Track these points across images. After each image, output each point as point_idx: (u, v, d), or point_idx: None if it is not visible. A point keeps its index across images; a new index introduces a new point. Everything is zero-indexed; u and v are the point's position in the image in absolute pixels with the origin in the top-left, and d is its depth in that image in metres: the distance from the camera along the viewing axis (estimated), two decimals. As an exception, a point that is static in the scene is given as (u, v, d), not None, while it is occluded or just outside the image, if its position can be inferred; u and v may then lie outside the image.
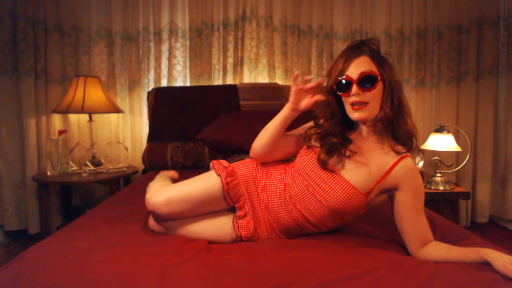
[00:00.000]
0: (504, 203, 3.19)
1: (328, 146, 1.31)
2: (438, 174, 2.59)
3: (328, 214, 1.32)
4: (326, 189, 1.30)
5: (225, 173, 1.42)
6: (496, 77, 3.16)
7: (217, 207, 1.43)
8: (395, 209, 1.31)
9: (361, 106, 1.25)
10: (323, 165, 1.30)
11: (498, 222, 3.27)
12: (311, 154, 1.36)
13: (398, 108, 1.27)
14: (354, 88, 1.24)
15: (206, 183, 1.43)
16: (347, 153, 1.30)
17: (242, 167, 1.48)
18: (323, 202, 1.30)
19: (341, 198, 1.28)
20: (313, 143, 1.37)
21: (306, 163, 1.35)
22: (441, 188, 2.53)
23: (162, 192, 1.42)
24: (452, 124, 3.11)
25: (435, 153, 2.82)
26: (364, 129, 1.34)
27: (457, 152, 2.98)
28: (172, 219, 1.41)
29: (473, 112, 3.22)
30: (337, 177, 1.30)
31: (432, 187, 2.55)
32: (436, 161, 2.61)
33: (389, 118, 1.26)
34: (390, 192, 1.32)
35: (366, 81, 1.23)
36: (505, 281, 1.03)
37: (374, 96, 1.25)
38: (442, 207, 2.51)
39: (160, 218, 1.42)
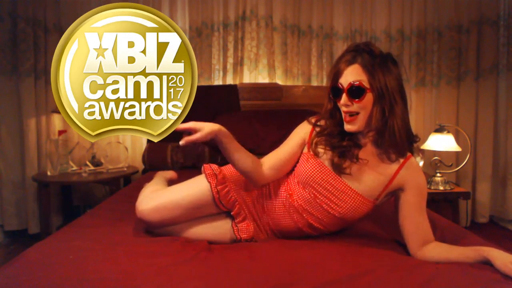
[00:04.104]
0: (504, 203, 3.19)
1: (340, 149, 1.28)
2: (438, 174, 2.59)
3: (337, 222, 1.34)
4: (334, 200, 1.30)
5: (215, 182, 1.36)
6: (496, 77, 3.16)
7: (210, 211, 1.39)
8: (398, 209, 1.31)
9: (352, 118, 1.23)
10: (338, 169, 1.28)
11: (498, 222, 3.27)
12: (314, 162, 1.32)
13: (390, 119, 1.22)
14: (343, 97, 1.23)
15: (196, 189, 1.37)
16: (359, 158, 1.28)
17: (234, 173, 1.41)
18: (332, 212, 1.31)
19: (349, 208, 1.29)
20: (323, 149, 1.32)
21: (310, 174, 1.32)
22: (441, 188, 2.53)
23: (151, 198, 1.38)
24: (452, 124, 3.11)
25: (435, 153, 2.82)
26: (364, 132, 1.31)
27: (457, 152, 2.98)
28: (163, 226, 1.37)
29: (473, 112, 3.22)
30: (343, 187, 1.29)
31: (432, 187, 2.55)
32: (436, 161, 2.61)
33: (379, 129, 1.25)
34: (394, 193, 1.33)
35: (354, 91, 1.21)
36: (506, 281, 1.03)
37: (364, 106, 1.22)
38: (442, 207, 2.51)
39: (150, 225, 1.39)
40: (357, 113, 1.23)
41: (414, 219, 1.28)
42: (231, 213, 1.38)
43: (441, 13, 3.20)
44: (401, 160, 1.29)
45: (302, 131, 1.41)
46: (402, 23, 3.23)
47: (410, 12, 3.23)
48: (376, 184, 1.29)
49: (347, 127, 1.26)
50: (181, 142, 1.20)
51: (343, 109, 1.25)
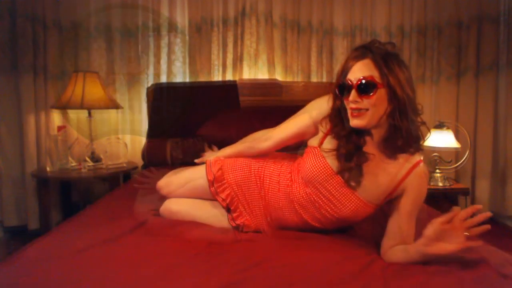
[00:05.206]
0: (504, 200, 3.19)
1: (347, 153, 1.24)
2: (437, 171, 2.59)
3: (335, 222, 1.34)
4: (335, 202, 1.29)
5: (213, 178, 1.45)
6: (496, 74, 3.14)
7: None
8: (392, 208, 1.29)
9: (360, 113, 1.17)
10: (343, 173, 1.26)
11: (498, 219, 3.28)
12: (320, 162, 1.30)
13: (402, 118, 1.17)
14: (353, 93, 1.16)
15: (198, 178, 1.50)
16: (367, 158, 1.24)
17: (234, 170, 1.45)
18: (332, 213, 1.31)
19: (350, 212, 1.28)
20: (330, 150, 1.29)
21: (315, 173, 1.29)
22: (441, 184, 2.53)
23: (168, 174, 1.59)
24: (451, 120, 3.10)
25: (434, 149, 2.82)
26: (371, 135, 1.25)
27: (456, 149, 2.98)
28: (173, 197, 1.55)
29: (473, 108, 3.21)
30: (346, 191, 1.28)
31: (432, 184, 2.55)
32: (436, 157, 2.61)
33: (389, 128, 1.20)
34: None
35: (364, 87, 1.14)
36: (506, 281, 1.03)
37: (375, 102, 1.15)
38: (441, 204, 2.51)
39: (164, 195, 1.57)
40: (366, 110, 1.16)
41: (399, 222, 1.24)
42: (231, 209, 1.42)
43: (441, 10, 3.19)
44: (409, 167, 1.24)
45: (320, 112, 1.35)
46: (402, 19, 3.22)
47: (410, 8, 3.22)
48: (381, 191, 1.26)
49: (354, 122, 1.18)
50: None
51: (351, 105, 1.18)
